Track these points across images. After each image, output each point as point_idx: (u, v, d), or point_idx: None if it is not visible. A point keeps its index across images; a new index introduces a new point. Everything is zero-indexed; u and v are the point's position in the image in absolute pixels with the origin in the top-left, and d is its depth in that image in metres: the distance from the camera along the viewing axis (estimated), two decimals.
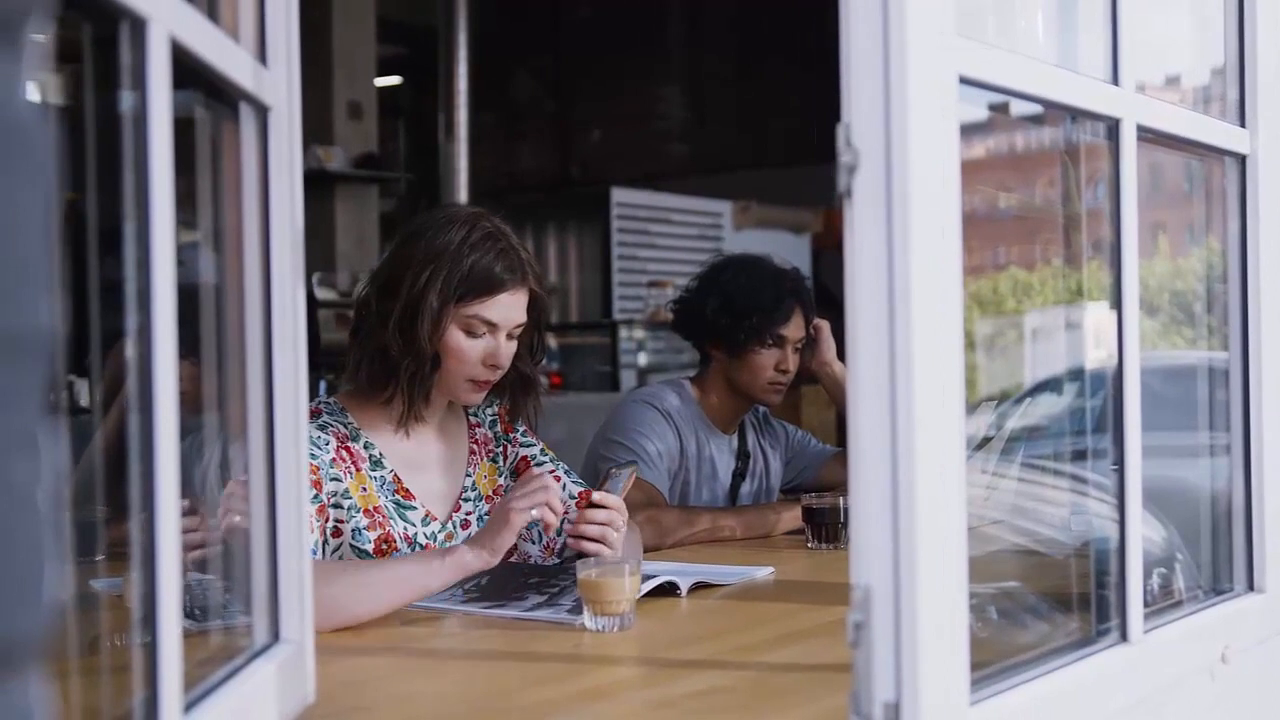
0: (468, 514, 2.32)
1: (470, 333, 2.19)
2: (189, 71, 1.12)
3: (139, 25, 1.00)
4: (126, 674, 1.11)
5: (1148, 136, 1.59)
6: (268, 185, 1.37)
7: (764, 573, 2.35)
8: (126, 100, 1.03)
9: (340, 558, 2.14)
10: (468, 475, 2.34)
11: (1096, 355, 1.90)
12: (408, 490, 2.23)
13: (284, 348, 1.38)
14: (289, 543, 1.39)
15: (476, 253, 2.17)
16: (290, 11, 1.39)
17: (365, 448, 2.22)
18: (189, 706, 1.11)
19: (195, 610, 1.38)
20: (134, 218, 1.02)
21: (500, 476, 2.39)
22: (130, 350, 1.02)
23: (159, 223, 1.02)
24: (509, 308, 2.21)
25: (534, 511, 1.97)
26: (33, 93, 0.58)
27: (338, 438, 2.17)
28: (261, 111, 1.35)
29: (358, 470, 2.19)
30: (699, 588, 2.18)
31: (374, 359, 2.20)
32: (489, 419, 2.42)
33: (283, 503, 1.38)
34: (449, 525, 2.28)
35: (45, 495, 0.58)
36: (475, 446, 2.38)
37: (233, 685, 1.24)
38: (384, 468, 2.22)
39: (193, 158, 1.32)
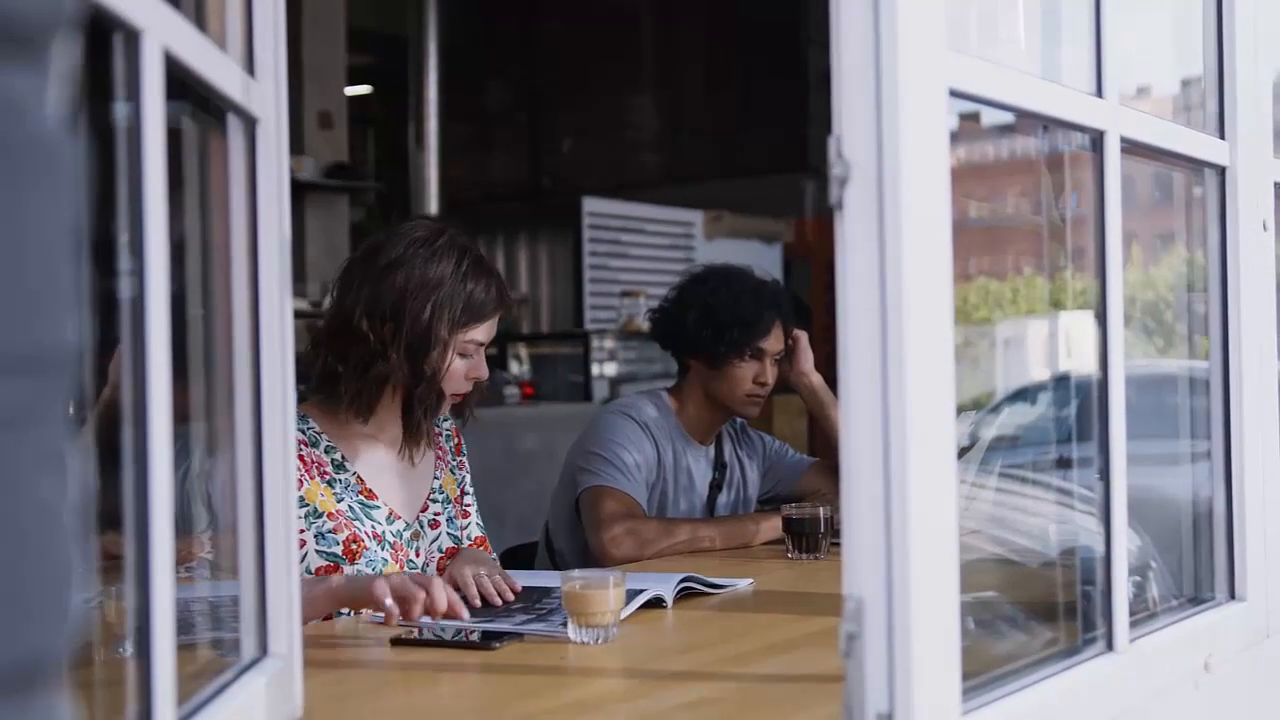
0: (436, 514, 2.40)
1: (463, 355, 2.30)
2: (177, 82, 1.12)
3: (133, 36, 0.99)
4: (112, 688, 1.10)
5: (1129, 148, 1.60)
6: (255, 197, 1.36)
7: (744, 584, 2.35)
8: (119, 111, 1.02)
9: (306, 570, 2.16)
10: (435, 478, 2.42)
11: (1070, 365, 1.92)
12: (371, 490, 2.29)
13: (272, 361, 1.37)
14: (277, 557, 1.38)
15: (471, 281, 2.28)
16: (278, 23, 1.39)
17: (326, 452, 2.27)
18: None
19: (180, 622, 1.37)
20: (127, 228, 1.01)
21: (457, 487, 2.48)
22: (124, 362, 1.01)
23: (153, 234, 1.01)
24: (493, 326, 2.34)
25: (389, 602, 1.90)
26: (58, 107, 0.57)
27: None
28: (250, 123, 1.35)
29: (313, 478, 2.23)
30: (685, 595, 2.18)
31: (376, 385, 2.25)
32: (446, 432, 2.51)
33: (270, 517, 1.38)
34: (415, 524, 2.35)
35: (71, 511, 0.58)
36: (440, 452, 2.46)
37: (222, 700, 1.23)
38: (347, 470, 2.28)
39: (179, 169, 1.31)
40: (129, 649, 1.13)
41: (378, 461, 2.33)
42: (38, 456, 0.55)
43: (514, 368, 7.48)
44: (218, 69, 1.22)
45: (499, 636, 1.87)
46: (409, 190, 8.48)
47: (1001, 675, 1.37)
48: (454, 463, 2.49)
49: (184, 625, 1.42)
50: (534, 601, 2.13)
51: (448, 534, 2.41)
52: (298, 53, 7.11)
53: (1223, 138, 1.84)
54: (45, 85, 0.56)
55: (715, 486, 3.13)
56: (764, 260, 7.66)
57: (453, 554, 2.40)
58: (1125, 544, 1.54)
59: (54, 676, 0.57)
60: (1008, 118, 1.58)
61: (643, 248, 8.23)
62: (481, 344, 2.32)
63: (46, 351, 0.56)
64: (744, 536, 2.85)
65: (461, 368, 2.30)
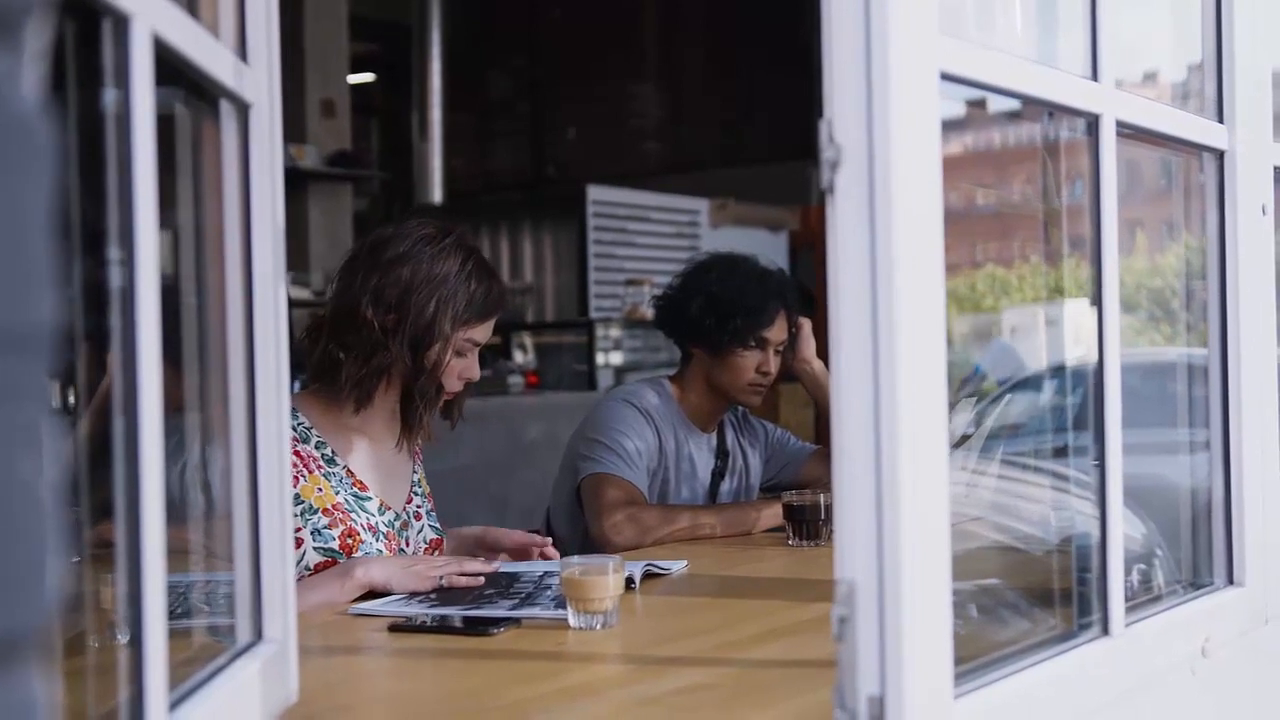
0: (418, 507, 2.45)
1: (459, 353, 2.33)
2: (169, 68, 1.12)
3: (122, 22, 0.99)
4: (108, 674, 1.11)
5: (1126, 132, 1.59)
6: (249, 183, 1.36)
7: (679, 565, 2.39)
8: (108, 97, 1.02)
9: (306, 568, 2.17)
10: (415, 472, 2.48)
11: (1075, 352, 1.91)
12: (362, 482, 2.33)
13: (266, 348, 1.37)
14: (271, 542, 1.38)
15: (474, 281, 2.32)
16: (270, 8, 1.39)
17: (317, 447, 2.30)
18: (173, 705, 1.10)
19: (174, 609, 1.38)
20: (117, 216, 1.01)
21: (427, 484, 2.54)
22: (114, 351, 1.02)
23: (143, 222, 1.01)
24: (490, 328, 2.38)
25: (443, 581, 2.14)
26: (33, 88, 0.58)
27: None
28: (243, 109, 1.35)
29: (310, 472, 2.26)
30: (649, 577, 2.23)
31: (376, 374, 2.28)
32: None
33: (265, 502, 1.38)
34: (404, 515, 2.40)
35: (48, 489, 0.58)
36: (417, 449, 2.50)
37: (216, 684, 1.23)
38: (338, 464, 2.31)
39: (172, 156, 1.31)
40: (128, 634, 1.13)
41: (364, 455, 2.37)
42: (14, 433, 0.56)
43: (518, 357, 7.49)
44: (209, 54, 1.22)
45: (496, 622, 1.87)
46: (412, 179, 8.48)
47: (995, 659, 1.37)
48: (423, 460, 2.55)
49: (184, 610, 1.42)
50: (507, 587, 2.13)
51: (429, 526, 2.47)
52: (300, 41, 7.10)
53: (1221, 121, 1.83)
54: (19, 67, 0.57)
55: (718, 474, 3.13)
56: (770, 248, 7.66)
57: (437, 545, 2.46)
58: (1120, 529, 1.54)
59: (30, 652, 0.57)
60: (1014, 104, 1.58)
61: (648, 236, 8.22)
62: (478, 344, 2.35)
63: (22, 330, 0.56)
64: (744, 523, 2.85)
65: (456, 366, 2.33)
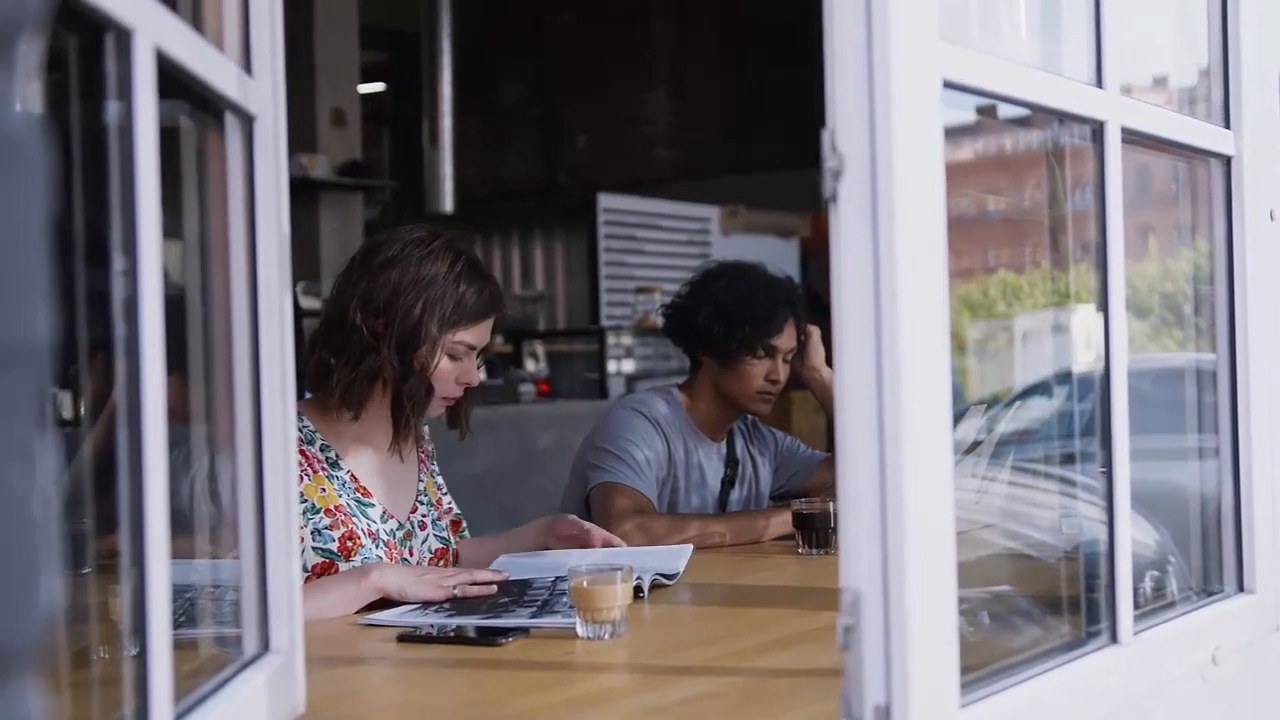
0: (423, 516, 2.45)
1: (453, 356, 2.32)
2: (173, 81, 1.12)
3: (124, 36, 1.00)
4: (116, 686, 1.11)
5: (1132, 139, 1.59)
6: (253, 195, 1.37)
7: (685, 551, 2.42)
8: (111, 110, 1.03)
9: (304, 567, 2.18)
10: (420, 480, 2.47)
11: (1086, 358, 1.91)
12: (365, 489, 2.33)
13: (271, 358, 1.38)
14: (278, 553, 1.38)
15: (463, 282, 2.31)
16: (275, 20, 1.39)
17: (321, 450, 2.31)
18: (179, 717, 1.10)
19: (181, 619, 1.38)
20: (120, 228, 1.01)
21: (438, 490, 2.52)
22: (119, 361, 1.02)
23: (145, 233, 1.02)
24: (487, 331, 2.37)
25: (456, 591, 2.12)
26: (26, 104, 0.58)
27: None
28: (247, 121, 1.35)
29: (315, 473, 2.27)
30: (657, 587, 2.23)
31: (366, 378, 2.28)
32: (425, 437, 2.56)
33: (271, 513, 1.38)
34: (407, 524, 2.40)
35: (41, 504, 0.58)
36: (423, 457, 2.51)
37: (223, 695, 1.23)
38: (342, 469, 2.32)
39: (177, 167, 1.32)
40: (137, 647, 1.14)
41: (368, 462, 2.36)
42: (8, 449, 0.56)
43: (530, 365, 7.48)
44: (213, 67, 1.22)
45: (505, 632, 1.87)
46: (423, 188, 8.48)
47: (1002, 668, 1.37)
48: (433, 468, 2.54)
49: (189, 618, 1.42)
50: (520, 595, 2.13)
51: (434, 535, 2.46)
52: (310, 50, 7.10)
53: (1228, 127, 1.83)
54: (11, 84, 0.57)
55: (728, 483, 3.13)
56: (781, 255, 7.66)
57: (442, 555, 2.45)
58: (1129, 536, 1.54)
59: (25, 666, 0.57)
60: (1025, 110, 1.58)
61: (658, 244, 8.22)
62: (472, 347, 2.34)
63: (16, 346, 0.56)
64: (753, 532, 2.85)
65: (451, 370, 2.32)
